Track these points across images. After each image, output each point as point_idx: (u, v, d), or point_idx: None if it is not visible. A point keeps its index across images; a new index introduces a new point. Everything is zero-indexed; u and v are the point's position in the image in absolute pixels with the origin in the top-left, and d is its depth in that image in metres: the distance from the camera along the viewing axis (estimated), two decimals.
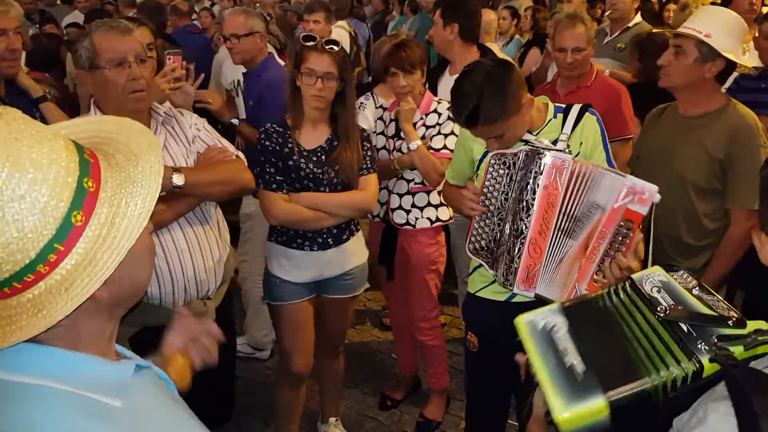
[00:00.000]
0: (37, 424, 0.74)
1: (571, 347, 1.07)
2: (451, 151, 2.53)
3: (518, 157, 1.75)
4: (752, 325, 1.00)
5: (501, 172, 1.79)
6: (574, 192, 1.63)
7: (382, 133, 2.70)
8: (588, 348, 1.07)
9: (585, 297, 1.23)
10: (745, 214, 2.08)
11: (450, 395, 2.97)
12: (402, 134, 2.58)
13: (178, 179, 1.74)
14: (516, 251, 1.69)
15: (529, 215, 1.67)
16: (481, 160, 1.99)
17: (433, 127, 2.61)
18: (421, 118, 2.61)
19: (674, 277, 1.13)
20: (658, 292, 1.09)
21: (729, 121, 2.13)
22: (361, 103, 2.83)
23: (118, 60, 1.72)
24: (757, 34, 3.10)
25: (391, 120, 2.68)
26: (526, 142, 1.84)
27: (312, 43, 2.16)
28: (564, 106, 1.93)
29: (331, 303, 2.38)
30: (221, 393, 2.17)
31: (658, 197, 1.55)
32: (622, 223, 1.56)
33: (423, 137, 2.57)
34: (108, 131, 0.90)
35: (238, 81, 3.28)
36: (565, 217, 1.64)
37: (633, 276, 1.15)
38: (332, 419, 2.70)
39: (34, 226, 0.74)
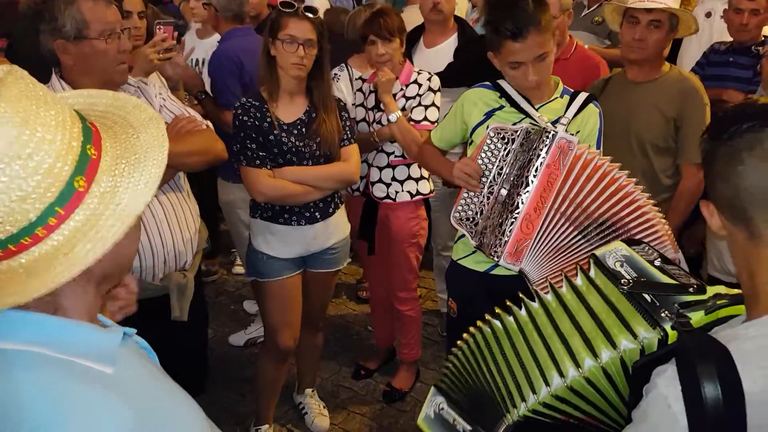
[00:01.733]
0: (28, 390, 0.72)
1: (456, 415, 1.18)
2: (432, 122, 2.54)
3: (518, 133, 1.75)
4: (711, 290, 1.04)
5: (499, 145, 1.79)
6: (579, 178, 1.64)
7: (362, 105, 2.66)
8: (468, 406, 1.19)
9: (451, 362, 1.31)
10: (695, 167, 2.27)
11: (425, 365, 3.02)
12: (381, 106, 2.55)
13: None
14: (509, 224, 1.69)
15: (527, 191, 1.67)
16: (474, 129, 1.97)
17: (414, 98, 2.58)
18: (401, 89, 2.58)
19: (636, 251, 1.16)
20: (621, 266, 1.13)
21: (678, 84, 2.32)
22: (335, 74, 2.79)
23: (109, 31, 1.67)
24: (726, 7, 3.14)
25: (370, 91, 2.64)
26: (527, 115, 1.84)
27: (291, 9, 2.09)
28: (572, 90, 1.93)
29: (315, 277, 2.37)
30: (194, 366, 2.17)
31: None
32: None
33: (403, 109, 2.55)
34: (104, 105, 0.89)
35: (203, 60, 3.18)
36: (567, 202, 1.65)
37: (596, 252, 1.19)
38: (308, 390, 2.73)
39: (38, 187, 0.72)
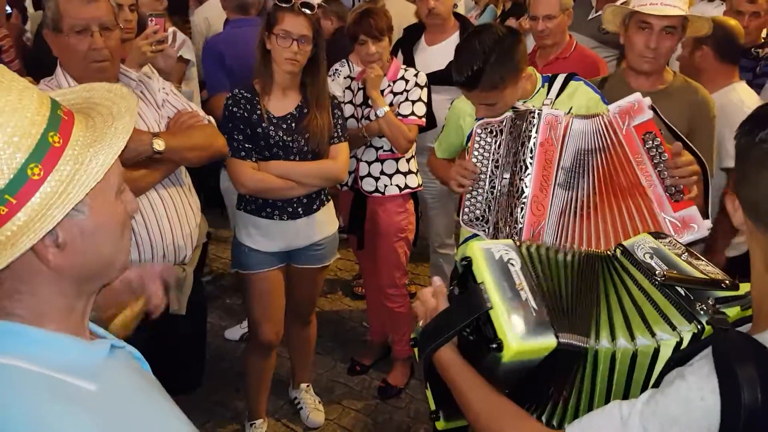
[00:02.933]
0: (6, 408, 0.70)
1: (525, 284, 1.06)
2: (419, 117, 2.57)
3: (504, 124, 1.76)
4: (744, 287, 1.02)
5: (488, 140, 1.80)
6: (570, 146, 1.65)
7: (351, 101, 2.68)
8: (544, 288, 1.07)
9: (541, 244, 1.21)
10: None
11: (418, 362, 3.02)
12: (370, 102, 2.57)
13: (158, 145, 1.71)
14: (520, 211, 1.68)
15: (528, 174, 1.67)
16: (468, 137, 1.97)
17: (401, 93, 2.60)
18: (389, 85, 2.60)
19: (663, 243, 1.14)
20: (651, 258, 1.10)
21: (686, 96, 2.13)
22: (336, 69, 2.79)
23: (80, 27, 1.65)
24: (727, 9, 3.15)
25: (359, 88, 2.66)
26: (512, 108, 1.85)
27: (287, 4, 2.09)
28: (549, 75, 1.93)
29: (300, 273, 2.38)
30: (192, 359, 2.17)
31: (648, 100, 1.59)
32: (646, 139, 1.59)
33: (391, 104, 2.57)
34: (99, 97, 0.87)
35: None
36: (562, 171, 1.66)
37: (624, 243, 1.16)
38: (303, 385, 2.73)
39: None
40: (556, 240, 1.68)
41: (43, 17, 1.70)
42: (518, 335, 0.98)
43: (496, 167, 1.78)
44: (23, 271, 0.76)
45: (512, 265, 1.08)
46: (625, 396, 1.04)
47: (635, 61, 2.09)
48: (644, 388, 1.00)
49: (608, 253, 1.17)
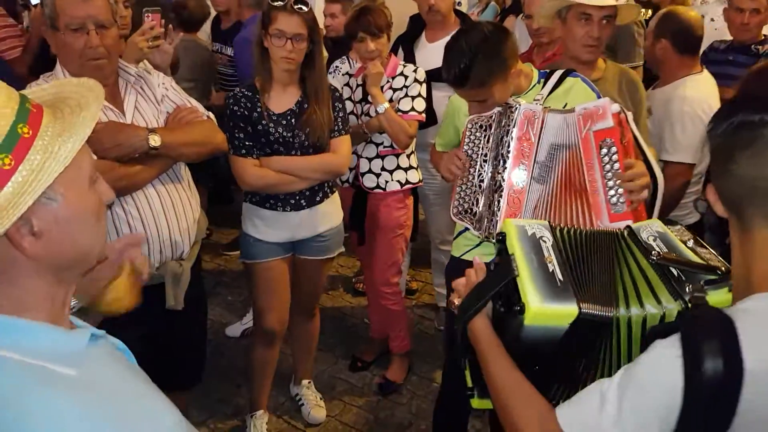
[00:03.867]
0: None
1: (555, 258, 1.12)
2: (419, 113, 2.59)
3: (493, 118, 1.78)
4: None
5: (478, 135, 1.82)
6: (544, 140, 1.67)
7: (350, 98, 2.68)
8: (572, 263, 1.13)
9: (577, 227, 1.28)
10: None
11: (421, 358, 3.04)
12: (369, 98, 2.57)
13: (154, 140, 1.71)
14: (497, 204, 1.72)
15: (506, 168, 1.70)
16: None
17: (400, 89, 2.61)
18: (388, 81, 2.61)
19: (671, 230, 1.19)
20: (654, 240, 1.15)
21: (621, 77, 2.20)
22: (336, 66, 2.80)
23: (75, 25, 1.65)
24: (726, 6, 3.15)
25: (357, 85, 2.67)
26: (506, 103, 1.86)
27: (280, 3, 2.09)
28: (547, 71, 1.94)
29: (304, 264, 2.40)
30: (192, 356, 2.18)
31: (616, 106, 1.61)
32: (603, 145, 1.60)
33: (390, 100, 2.58)
34: (68, 92, 0.89)
35: None
36: (537, 165, 1.69)
37: (632, 225, 1.21)
38: (305, 381, 2.74)
39: None
40: None
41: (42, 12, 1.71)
42: (539, 298, 1.04)
43: (485, 161, 1.80)
44: (1, 261, 0.77)
45: (544, 241, 1.15)
46: None
47: (578, 51, 2.12)
48: None
49: (616, 231, 1.22)
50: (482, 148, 1.81)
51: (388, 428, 2.66)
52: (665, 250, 1.11)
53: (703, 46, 3.60)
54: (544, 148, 1.68)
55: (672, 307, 1.03)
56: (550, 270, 1.08)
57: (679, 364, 0.85)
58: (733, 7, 3.07)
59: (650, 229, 1.18)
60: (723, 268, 1.06)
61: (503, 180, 1.71)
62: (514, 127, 1.69)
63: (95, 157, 0.87)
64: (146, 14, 2.29)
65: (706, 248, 1.14)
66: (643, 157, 1.69)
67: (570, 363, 1.12)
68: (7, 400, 0.72)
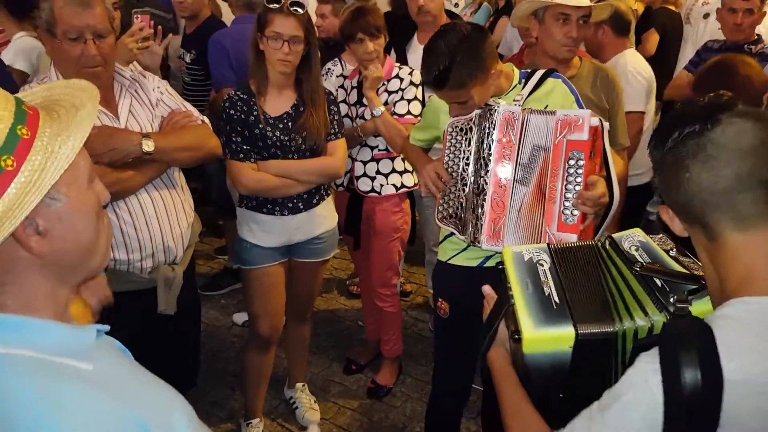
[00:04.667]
0: (17, 393, 0.73)
1: (551, 281, 1.12)
2: (416, 116, 2.56)
3: (473, 121, 1.78)
4: None
5: (459, 138, 1.82)
6: (525, 141, 1.67)
7: (344, 101, 2.67)
8: (568, 285, 1.13)
9: (573, 244, 1.30)
10: (623, 152, 2.36)
11: (414, 360, 3.03)
12: (364, 101, 2.56)
13: (147, 145, 1.70)
14: (480, 209, 1.72)
15: (488, 171, 1.70)
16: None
17: (396, 92, 2.60)
18: (383, 84, 2.60)
19: (653, 239, 1.18)
20: (636, 250, 1.15)
21: (596, 73, 2.30)
22: (329, 68, 2.79)
23: (73, 34, 1.64)
24: (721, 6, 3.16)
25: (352, 87, 2.66)
26: (487, 104, 1.85)
27: (276, 5, 2.08)
28: (528, 71, 1.94)
29: (300, 267, 2.39)
30: (187, 359, 2.17)
31: (596, 120, 1.62)
32: (572, 156, 1.61)
33: (386, 103, 2.56)
34: (58, 94, 0.90)
35: None
36: (519, 167, 1.69)
37: (613, 235, 1.20)
38: (299, 384, 2.73)
39: None
40: (516, 236, 1.70)
41: (36, 13, 1.70)
42: (532, 324, 1.04)
43: (467, 165, 1.80)
44: (7, 262, 0.79)
45: (541, 265, 1.17)
46: None
47: (556, 51, 2.19)
48: None
49: (598, 242, 1.22)
50: (464, 152, 1.80)
51: (382, 431, 2.65)
52: (648, 260, 1.11)
53: (689, 46, 3.65)
54: (527, 150, 1.68)
55: (658, 319, 1.03)
56: (546, 293, 1.09)
57: (658, 379, 0.86)
58: (726, 7, 3.09)
59: (632, 239, 1.17)
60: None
61: (486, 183, 1.71)
62: (494, 129, 1.69)
63: None
64: (135, 15, 2.28)
65: (689, 257, 1.14)
66: (607, 174, 1.72)
67: (592, 386, 1.09)
68: (35, 396, 0.73)
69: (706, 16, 3.77)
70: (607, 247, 1.18)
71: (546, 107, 1.83)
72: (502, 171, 1.70)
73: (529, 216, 1.68)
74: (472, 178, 1.77)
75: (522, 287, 1.11)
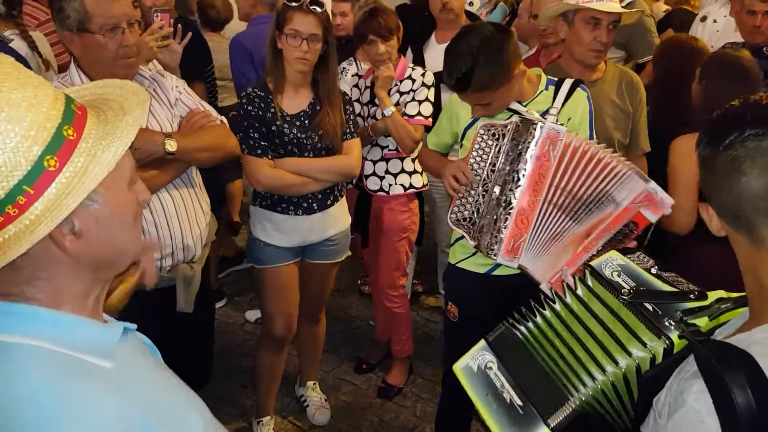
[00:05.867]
0: (27, 384, 0.74)
1: (506, 382, 1.11)
2: (426, 117, 2.56)
3: (508, 129, 1.75)
4: (713, 295, 1.04)
5: (489, 142, 1.79)
6: (569, 166, 1.64)
7: (357, 100, 2.68)
8: (521, 379, 1.12)
9: (503, 328, 1.25)
10: (644, 158, 2.32)
11: (425, 361, 3.03)
12: (376, 101, 2.56)
13: (170, 145, 1.71)
14: (503, 221, 1.69)
15: (519, 186, 1.68)
16: (465, 131, 1.98)
17: (408, 93, 2.60)
18: (396, 85, 2.60)
19: (632, 259, 1.15)
20: (619, 275, 1.11)
21: (621, 77, 2.27)
22: (344, 68, 2.79)
23: (111, 25, 1.65)
24: (738, 9, 3.12)
25: (366, 87, 2.66)
26: (515, 112, 1.83)
27: (296, 3, 2.08)
28: (557, 79, 1.92)
29: (313, 268, 2.39)
30: (200, 357, 2.18)
31: (668, 211, 1.58)
32: (630, 224, 1.58)
33: (397, 104, 2.57)
34: (110, 93, 0.90)
35: None
36: (559, 192, 1.65)
37: (591, 263, 1.17)
38: (310, 383, 2.74)
39: (4, 165, 0.73)
40: (533, 257, 1.68)
41: (56, 17, 1.69)
42: None
43: (492, 171, 1.78)
44: (42, 259, 0.79)
45: (489, 368, 1.16)
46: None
47: (584, 56, 2.16)
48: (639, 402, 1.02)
49: (574, 276, 1.18)
50: (491, 157, 1.78)
51: (392, 430, 2.66)
52: (633, 284, 1.08)
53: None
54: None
55: (656, 345, 0.99)
56: (509, 401, 1.08)
57: (715, 418, 0.82)
58: (744, 9, 3.04)
59: (612, 263, 1.14)
60: (696, 292, 1.03)
61: (514, 198, 1.68)
62: (535, 145, 1.65)
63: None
64: (155, 14, 2.29)
65: (671, 272, 1.12)
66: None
67: None
68: (43, 389, 0.74)
69: (704, 19, 3.73)
70: (588, 276, 1.14)
71: (569, 120, 1.82)
72: (535, 189, 1.66)
73: (557, 247, 1.65)
74: (498, 189, 1.74)
75: (488, 408, 1.10)
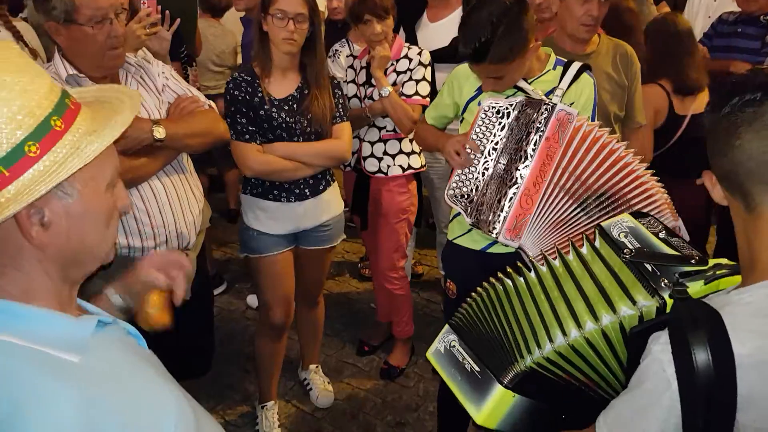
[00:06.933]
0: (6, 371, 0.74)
1: (467, 355, 1.19)
2: (423, 97, 2.54)
3: (513, 107, 1.73)
4: (713, 262, 1.07)
5: (493, 120, 1.76)
6: (578, 150, 1.61)
7: (353, 81, 2.65)
8: (479, 349, 1.19)
9: (467, 305, 1.32)
10: (638, 131, 2.36)
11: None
12: (373, 81, 2.54)
13: (159, 132, 1.70)
14: (507, 199, 1.66)
15: (527, 165, 1.64)
16: (466, 106, 1.95)
17: (404, 72, 2.57)
18: (392, 64, 2.57)
19: (642, 222, 1.18)
20: (626, 236, 1.15)
21: (617, 49, 2.29)
22: (336, 50, 2.76)
23: (99, 17, 1.63)
24: None
25: (361, 67, 2.64)
26: (520, 89, 1.81)
27: None
28: (566, 60, 1.89)
29: (308, 254, 2.38)
30: (201, 344, 2.19)
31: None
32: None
33: (394, 84, 2.54)
34: (108, 96, 0.92)
35: None
36: (567, 175, 1.62)
37: (602, 224, 1.21)
38: (312, 366, 2.75)
39: None
40: (534, 238, 1.66)
41: (37, 7, 1.67)
42: (474, 406, 1.12)
43: (494, 149, 1.75)
44: (7, 245, 0.79)
45: (453, 347, 1.24)
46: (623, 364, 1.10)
47: (576, 30, 2.21)
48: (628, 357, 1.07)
49: (584, 236, 1.23)
50: (494, 135, 1.75)
51: (396, 411, 2.67)
52: (637, 245, 1.12)
53: (700, 18, 3.57)
54: (569, 156, 1.62)
55: (650, 304, 1.03)
56: (469, 369, 1.16)
57: (673, 369, 0.87)
58: None
59: (621, 225, 1.18)
60: (696, 257, 1.06)
61: (521, 177, 1.65)
62: (546, 125, 1.62)
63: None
64: (143, 1, 2.26)
65: (678, 236, 1.15)
66: None
67: (567, 403, 1.14)
68: (5, 385, 0.73)
69: None
70: (597, 235, 1.19)
71: (572, 104, 1.80)
72: (542, 170, 1.63)
73: (560, 235, 1.63)
74: (502, 167, 1.72)
75: (454, 380, 1.18)
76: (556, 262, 1.20)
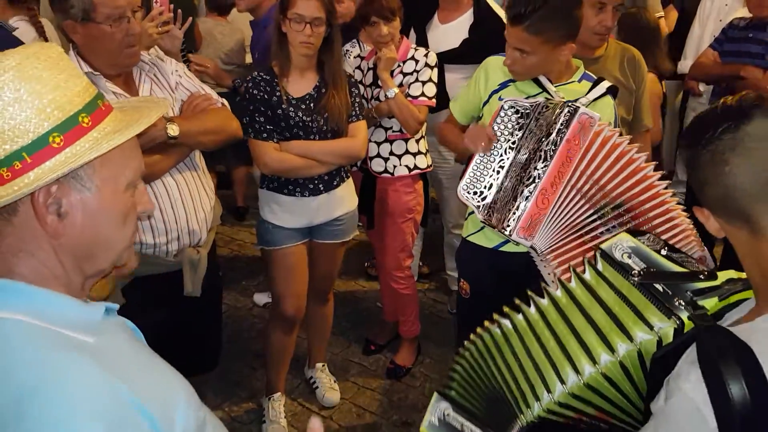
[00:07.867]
0: (13, 358, 0.75)
1: (464, 420, 1.16)
2: (429, 98, 2.56)
3: (533, 107, 1.73)
4: (723, 275, 1.03)
5: (513, 118, 1.76)
6: (597, 154, 1.61)
7: (360, 82, 2.67)
8: (475, 412, 1.17)
9: (457, 366, 1.31)
10: (647, 134, 2.37)
11: (433, 342, 3.05)
12: (379, 82, 2.56)
13: (172, 130, 1.71)
14: (524, 198, 1.65)
15: (546, 165, 1.64)
16: (489, 98, 1.96)
17: (411, 74, 2.59)
18: (399, 66, 2.59)
19: (642, 240, 1.15)
20: (629, 257, 1.11)
21: (625, 53, 2.31)
22: (347, 50, 2.78)
23: (118, 15, 1.64)
24: None
25: (368, 69, 2.66)
26: (543, 89, 1.81)
27: None
28: (596, 77, 1.90)
29: (321, 248, 2.42)
30: (209, 340, 2.20)
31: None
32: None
33: (400, 85, 2.56)
34: (142, 105, 0.96)
35: None
36: (584, 178, 1.62)
37: (602, 246, 1.17)
38: (319, 364, 2.77)
39: (11, 130, 0.78)
40: (546, 239, 1.66)
41: (54, 4, 1.68)
42: None
43: (511, 148, 1.75)
44: (23, 230, 0.82)
45: (447, 414, 1.20)
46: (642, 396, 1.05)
47: (589, 39, 2.21)
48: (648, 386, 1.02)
49: (584, 260, 1.19)
50: (513, 135, 1.75)
51: (401, 410, 2.68)
52: (643, 266, 1.08)
53: (711, 23, 3.57)
54: (588, 159, 1.62)
55: (666, 326, 0.98)
56: None
57: (710, 406, 0.83)
58: None
59: (622, 245, 1.14)
60: (706, 271, 1.04)
61: (540, 176, 1.64)
62: (568, 127, 1.62)
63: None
64: (155, 0, 2.28)
65: (681, 252, 1.13)
66: None
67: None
68: (31, 361, 0.75)
69: None
70: (599, 258, 1.14)
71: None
72: (560, 171, 1.63)
73: (574, 235, 1.62)
74: (521, 166, 1.71)
75: None
76: (558, 293, 1.15)
